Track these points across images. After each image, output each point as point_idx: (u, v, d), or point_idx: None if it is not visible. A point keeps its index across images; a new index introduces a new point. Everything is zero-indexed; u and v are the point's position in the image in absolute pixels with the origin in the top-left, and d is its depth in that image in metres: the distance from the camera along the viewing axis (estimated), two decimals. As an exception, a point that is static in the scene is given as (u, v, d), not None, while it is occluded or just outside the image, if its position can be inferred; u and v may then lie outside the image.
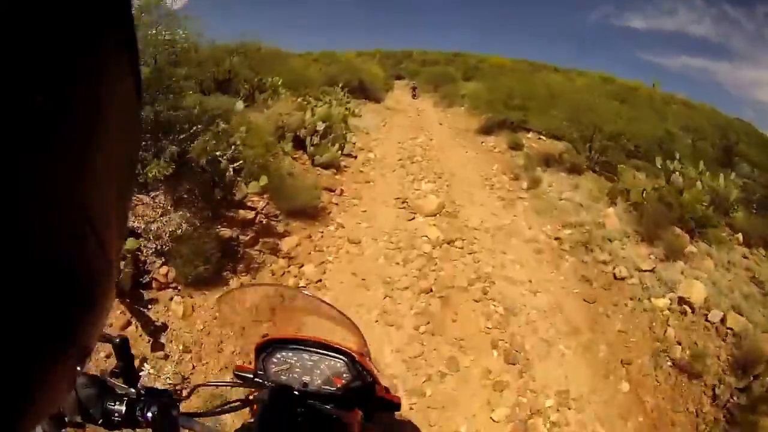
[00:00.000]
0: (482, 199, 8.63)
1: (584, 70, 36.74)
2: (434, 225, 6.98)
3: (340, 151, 8.97)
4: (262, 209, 6.18)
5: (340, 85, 16.39)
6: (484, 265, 6.02)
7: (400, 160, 10.90)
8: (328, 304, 1.13)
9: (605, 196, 8.71)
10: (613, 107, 11.13)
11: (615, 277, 6.41)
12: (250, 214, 5.95)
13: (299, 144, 8.77)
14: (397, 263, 5.78)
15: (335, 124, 9.95)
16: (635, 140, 11.40)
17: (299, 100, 11.31)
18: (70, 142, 0.21)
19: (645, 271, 6.56)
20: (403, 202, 7.84)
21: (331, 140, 9.06)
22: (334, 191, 7.72)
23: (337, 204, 7.40)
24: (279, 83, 12.98)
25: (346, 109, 15.11)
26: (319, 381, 1.09)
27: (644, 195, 8.25)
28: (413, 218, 7.24)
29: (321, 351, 1.10)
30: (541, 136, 14.47)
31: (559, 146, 13.09)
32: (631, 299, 5.82)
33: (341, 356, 1.09)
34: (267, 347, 1.11)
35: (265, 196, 6.32)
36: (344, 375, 1.09)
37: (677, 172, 11.64)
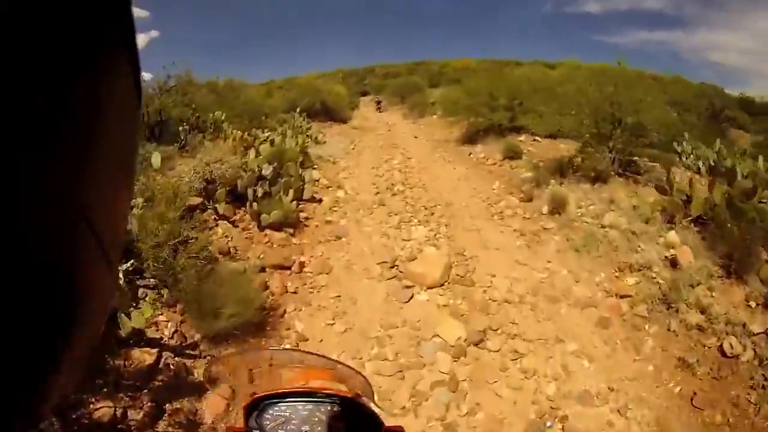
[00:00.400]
0: (496, 239, 6.21)
1: (549, 61, 35.12)
2: (445, 307, 4.55)
3: (295, 201, 6.45)
4: (170, 337, 3.64)
5: (297, 110, 13.89)
6: (542, 381, 3.56)
7: (377, 193, 8.47)
8: (321, 355, 1.11)
9: (656, 211, 6.32)
10: (631, 95, 8.74)
11: (723, 354, 4.07)
12: (151, 355, 3.41)
13: (240, 199, 6.25)
14: (402, 409, 3.28)
15: (289, 162, 7.47)
16: (654, 129, 9.06)
17: (244, 135, 8.81)
18: (70, 142, 0.21)
19: (758, 334, 4.25)
20: (391, 267, 5.39)
21: (282, 186, 6.56)
22: (289, 268, 5.19)
23: (295, 292, 4.91)
24: (222, 118, 10.50)
25: (307, 136, 12.69)
26: (319, 428, 1.01)
27: (711, 207, 5.88)
28: (411, 297, 4.79)
29: (315, 399, 1.02)
30: (536, 138, 12.16)
31: (563, 147, 10.80)
32: (753, 387, 3.56)
33: (336, 399, 1.02)
34: (257, 405, 1.01)
35: (177, 308, 3.81)
36: (343, 417, 1.01)
37: (699, 158, 9.52)
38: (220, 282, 4.32)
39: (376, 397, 1.13)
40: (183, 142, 8.64)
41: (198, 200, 5.83)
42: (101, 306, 0.28)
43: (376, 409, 1.03)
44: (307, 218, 6.79)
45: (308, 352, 1.11)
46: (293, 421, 1.01)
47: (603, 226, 6.19)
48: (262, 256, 5.23)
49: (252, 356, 1.22)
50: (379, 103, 28.95)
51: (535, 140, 12.06)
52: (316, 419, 1.02)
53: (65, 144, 0.20)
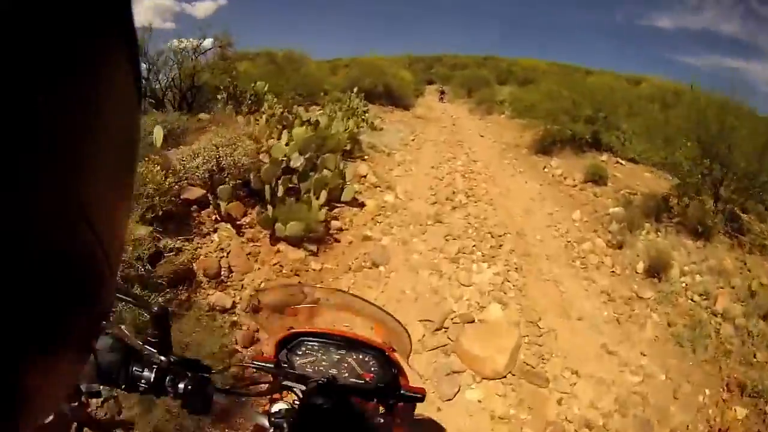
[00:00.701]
0: (579, 303, 4.43)
1: (618, 72, 32.22)
2: (502, 421, 2.88)
3: (326, 207, 4.86)
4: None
5: (355, 90, 12.26)
6: None
7: (434, 203, 6.79)
8: (369, 302, 1.08)
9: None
10: (746, 133, 6.38)
11: None
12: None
13: (258, 196, 4.73)
14: None
15: (328, 154, 5.86)
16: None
17: (284, 113, 7.28)
18: (70, 142, 0.21)
19: None
20: (438, 329, 3.68)
21: (313, 184, 4.96)
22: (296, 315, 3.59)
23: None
24: (264, 89, 9.03)
25: (362, 120, 11.07)
26: (346, 374, 1.02)
27: None
28: (457, 391, 3.11)
29: (348, 345, 1.02)
30: (619, 160, 10.05)
31: (649, 177, 8.71)
32: None
33: (370, 350, 1.01)
34: (291, 339, 1.02)
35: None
36: (373, 369, 1.02)
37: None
38: (183, 331, 2.80)
39: (411, 355, 1.06)
40: (213, 113, 7.25)
41: (200, 192, 4.35)
42: (101, 306, 0.27)
43: (405, 366, 1.01)
44: (340, 229, 5.17)
45: (357, 297, 1.06)
46: (323, 363, 0.99)
47: (714, 313, 4.27)
48: (262, 285, 3.67)
49: (299, 290, 1.16)
50: (442, 93, 27.36)
51: (618, 163, 9.95)
52: (346, 365, 1.00)
53: (65, 143, 0.20)
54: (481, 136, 14.15)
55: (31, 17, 0.17)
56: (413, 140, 12.00)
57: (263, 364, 1.02)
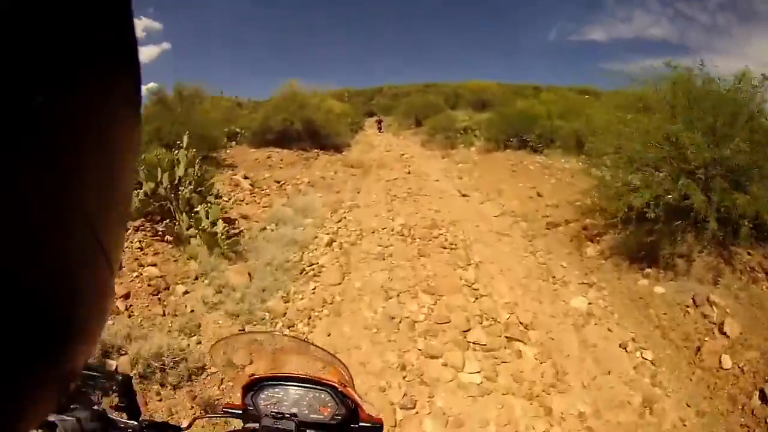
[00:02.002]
0: None
1: (560, 86, 28.95)
2: None
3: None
4: None
5: (184, 142, 5.79)
6: None
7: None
8: (311, 343, 1.15)
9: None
10: None
11: None
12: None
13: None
14: None
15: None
16: None
17: None
18: (70, 146, 0.20)
19: None
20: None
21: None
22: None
23: None
24: None
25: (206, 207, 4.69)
26: (306, 411, 1.07)
27: None
28: None
29: (306, 385, 1.07)
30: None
31: None
32: None
33: (325, 388, 1.06)
34: (254, 386, 1.07)
35: None
36: (329, 404, 1.06)
37: None
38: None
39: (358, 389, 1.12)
40: None
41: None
42: (102, 308, 0.27)
43: (361, 400, 1.06)
44: None
45: (311, 343, 1.11)
46: (284, 403, 1.04)
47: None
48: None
49: (254, 338, 1.27)
50: (379, 122, 23.97)
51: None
52: (305, 402, 1.05)
53: (65, 147, 0.19)
54: (464, 195, 7.98)
55: (31, 18, 0.16)
56: (338, 229, 5.71)
57: (232, 411, 1.07)
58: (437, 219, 6.36)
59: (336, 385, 1.05)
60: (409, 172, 10.12)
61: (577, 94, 27.90)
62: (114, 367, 2.86)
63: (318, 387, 1.05)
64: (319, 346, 1.12)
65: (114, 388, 0.82)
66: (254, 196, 7.22)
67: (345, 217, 6.40)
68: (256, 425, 1.01)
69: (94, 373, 0.87)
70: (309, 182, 8.22)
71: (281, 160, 11.14)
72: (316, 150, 12.90)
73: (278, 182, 7.97)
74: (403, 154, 13.26)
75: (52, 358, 0.23)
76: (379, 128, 22.36)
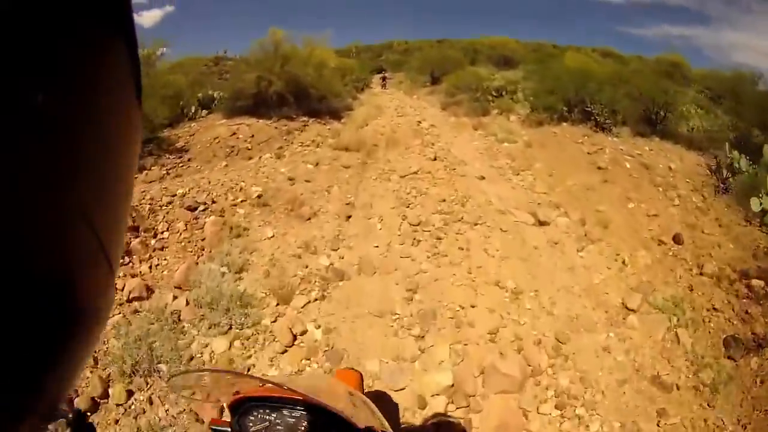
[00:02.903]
0: None
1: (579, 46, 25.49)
2: None
3: None
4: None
5: None
6: None
7: None
8: (290, 389, 0.86)
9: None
10: None
11: None
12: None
13: None
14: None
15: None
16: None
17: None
18: (70, 142, 0.20)
19: None
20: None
21: None
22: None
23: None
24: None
25: None
26: None
27: None
28: None
29: (301, 408, 0.91)
30: None
31: None
32: None
33: (323, 413, 0.88)
34: (241, 405, 0.91)
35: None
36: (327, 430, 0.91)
37: None
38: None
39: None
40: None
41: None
42: (102, 305, 0.26)
43: (359, 423, 0.90)
44: None
45: (278, 385, 0.87)
46: (278, 427, 0.91)
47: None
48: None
49: (215, 376, 1.00)
50: (384, 78, 20.69)
51: None
52: (302, 428, 0.92)
53: (65, 144, 0.19)
54: (542, 223, 4.46)
55: (31, 17, 0.16)
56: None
57: (219, 429, 0.92)
58: (526, 338, 3.00)
59: (336, 411, 0.82)
60: (435, 158, 6.53)
61: (600, 56, 23.77)
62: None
63: (317, 412, 0.88)
64: (281, 385, 0.84)
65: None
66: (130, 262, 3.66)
67: (308, 329, 3.03)
68: None
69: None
70: (259, 196, 4.68)
71: (251, 137, 7.62)
72: (304, 118, 9.28)
73: (193, 208, 4.34)
74: (420, 122, 9.59)
75: (52, 357, 0.22)
76: (383, 85, 19.50)
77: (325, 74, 11.03)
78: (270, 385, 0.93)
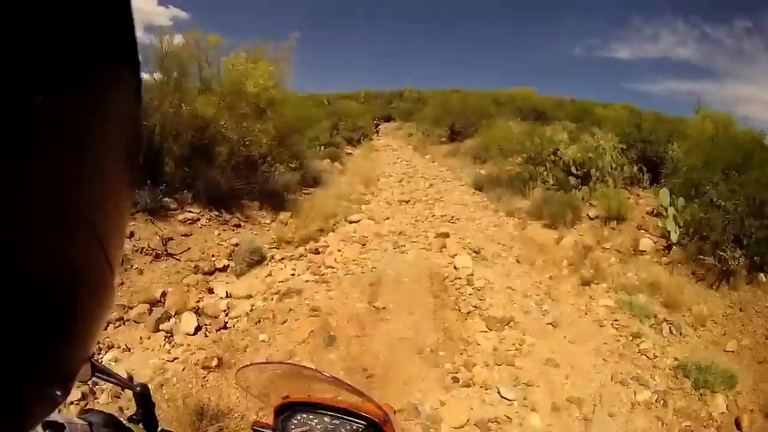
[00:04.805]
0: None
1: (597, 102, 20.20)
2: None
3: None
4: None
5: None
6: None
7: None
8: (346, 383, 0.87)
9: None
10: None
11: None
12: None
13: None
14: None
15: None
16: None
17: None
18: (71, 146, 0.19)
19: None
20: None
21: None
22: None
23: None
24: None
25: None
26: None
27: None
28: None
29: (343, 416, 0.88)
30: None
31: None
32: None
33: (363, 421, 0.87)
34: (287, 408, 0.91)
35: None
36: None
37: None
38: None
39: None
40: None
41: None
42: (102, 306, 0.26)
43: None
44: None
45: (337, 379, 0.89)
46: (317, 431, 0.90)
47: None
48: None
49: (282, 368, 1.03)
50: (377, 125, 17.24)
51: None
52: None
53: (65, 147, 0.18)
54: None
55: (31, 18, 0.16)
56: None
57: (261, 429, 0.91)
58: None
59: (377, 420, 0.85)
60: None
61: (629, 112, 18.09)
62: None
63: (356, 420, 0.86)
64: (356, 388, 0.84)
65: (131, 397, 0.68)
66: None
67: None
68: None
69: (110, 379, 0.66)
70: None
71: None
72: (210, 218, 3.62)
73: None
74: (461, 239, 3.78)
75: (51, 357, 0.22)
76: (376, 131, 16.12)
77: (282, 117, 5.52)
78: (327, 386, 0.92)
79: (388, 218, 5.04)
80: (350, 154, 10.64)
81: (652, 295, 3.64)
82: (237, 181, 4.84)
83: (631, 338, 3.05)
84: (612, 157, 6.61)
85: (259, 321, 3.06)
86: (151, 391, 0.72)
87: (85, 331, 0.24)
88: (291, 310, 3.05)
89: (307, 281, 3.62)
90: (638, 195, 5.92)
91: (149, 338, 2.89)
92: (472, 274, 3.46)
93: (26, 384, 0.20)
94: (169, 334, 2.95)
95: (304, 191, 5.72)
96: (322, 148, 8.66)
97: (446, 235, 4.34)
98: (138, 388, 0.70)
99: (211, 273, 3.83)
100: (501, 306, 3.05)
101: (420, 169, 9.01)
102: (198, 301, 3.40)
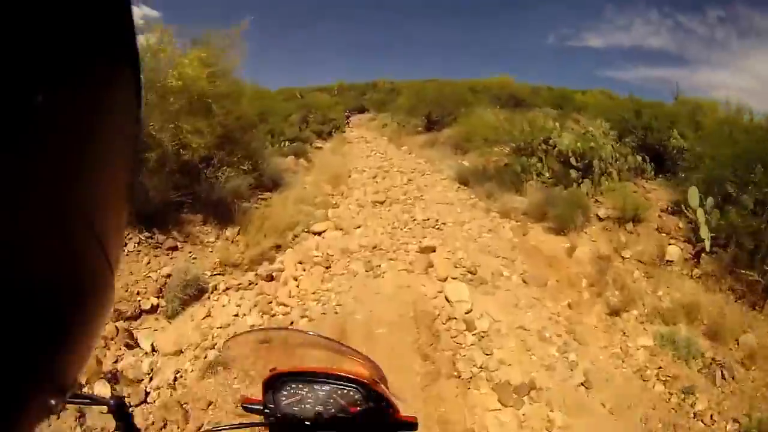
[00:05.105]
0: None
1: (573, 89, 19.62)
2: None
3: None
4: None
5: None
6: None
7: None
8: (333, 340, 0.89)
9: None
10: None
11: None
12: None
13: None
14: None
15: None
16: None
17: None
18: (71, 146, 0.19)
19: None
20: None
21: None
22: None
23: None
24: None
25: None
26: (333, 410, 0.86)
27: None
28: None
29: (332, 381, 0.86)
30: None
31: None
32: None
33: (353, 384, 0.85)
34: (275, 381, 0.87)
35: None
36: (358, 402, 0.85)
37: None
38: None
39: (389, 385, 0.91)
40: None
41: None
42: (102, 306, 0.25)
43: (392, 397, 0.88)
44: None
45: (325, 337, 0.88)
46: (309, 401, 0.87)
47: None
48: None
49: (269, 335, 1.00)
50: (348, 117, 15.58)
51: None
52: (332, 401, 0.87)
53: (65, 147, 0.18)
54: None
55: (30, 17, 0.15)
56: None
57: (251, 407, 0.88)
58: None
59: (366, 381, 0.85)
60: None
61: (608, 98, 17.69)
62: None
63: (346, 384, 0.85)
64: (345, 345, 0.88)
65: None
66: None
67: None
68: (278, 425, 0.83)
69: (84, 400, 0.65)
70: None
71: None
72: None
73: None
74: (451, 254, 2.86)
75: (50, 359, 0.22)
76: (347, 122, 14.68)
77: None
78: (315, 350, 0.91)
79: (359, 226, 4.10)
80: (320, 148, 9.60)
81: (691, 322, 2.84)
82: (173, 191, 3.80)
83: (683, 396, 2.24)
84: (612, 146, 5.83)
85: (182, 404, 2.10)
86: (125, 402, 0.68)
87: (85, 333, 0.24)
88: (212, 404, 2.10)
89: (252, 326, 2.66)
90: (644, 188, 5.16)
91: (58, 419, 2.01)
92: (471, 310, 2.57)
93: (22, 387, 0.19)
94: (80, 415, 2.06)
95: (259, 196, 4.71)
96: (287, 144, 7.58)
97: (432, 250, 3.44)
98: (112, 402, 0.69)
99: (135, 317, 2.85)
100: (515, 361, 2.18)
101: (396, 162, 8.08)
102: (116, 361, 2.48)
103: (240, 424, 0.89)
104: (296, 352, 0.94)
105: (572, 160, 5.48)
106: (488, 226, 4.23)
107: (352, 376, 0.85)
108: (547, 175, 5.64)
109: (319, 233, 3.97)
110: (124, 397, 0.82)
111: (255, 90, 7.27)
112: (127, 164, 0.24)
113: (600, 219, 4.22)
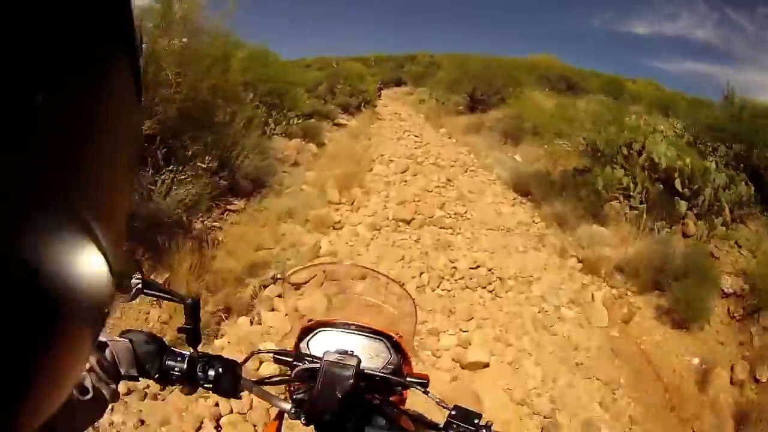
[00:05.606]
0: None
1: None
2: None
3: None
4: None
5: None
6: None
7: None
8: (381, 273, 1.03)
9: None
10: None
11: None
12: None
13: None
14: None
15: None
16: None
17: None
18: (69, 143, 0.18)
19: None
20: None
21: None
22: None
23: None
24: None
25: None
26: (362, 358, 0.87)
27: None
28: None
29: (363, 333, 0.93)
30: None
31: None
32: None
33: (381, 337, 0.93)
34: (311, 330, 0.95)
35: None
36: (383, 354, 0.93)
37: None
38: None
39: (418, 320, 0.97)
40: None
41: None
42: (100, 310, 0.24)
43: (410, 354, 0.95)
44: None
45: (381, 273, 1.02)
46: (337, 347, 0.87)
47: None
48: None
49: (323, 268, 1.16)
50: (380, 90, 13.72)
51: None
52: (362, 348, 0.91)
53: (64, 145, 0.18)
54: None
55: (30, 16, 0.15)
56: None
57: (284, 352, 0.91)
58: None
59: (392, 335, 0.92)
60: None
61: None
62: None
63: (374, 335, 0.93)
64: (393, 279, 1.00)
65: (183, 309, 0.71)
66: None
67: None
68: (315, 365, 0.83)
69: (162, 294, 0.68)
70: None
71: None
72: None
73: None
74: (516, 370, 1.52)
75: (47, 361, 0.21)
76: (378, 95, 13.03)
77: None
78: (357, 302, 1.00)
79: (363, 278, 2.54)
80: (342, 125, 7.97)
81: None
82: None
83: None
84: (717, 164, 3.89)
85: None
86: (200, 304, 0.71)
87: (82, 336, 0.23)
88: None
89: None
90: (757, 231, 3.31)
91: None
92: None
93: (20, 392, 0.19)
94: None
95: (227, 207, 3.19)
96: (296, 121, 5.94)
97: (483, 366, 1.85)
98: (189, 300, 0.72)
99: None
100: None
101: (433, 149, 6.39)
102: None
103: (289, 351, 0.89)
104: (342, 290, 1.03)
105: (677, 183, 3.60)
106: (569, 290, 2.57)
107: (380, 330, 0.91)
108: (637, 199, 3.81)
109: (298, 287, 2.42)
110: (199, 300, 0.66)
111: (259, 52, 5.64)
112: (128, 163, 0.23)
113: (724, 294, 2.49)
